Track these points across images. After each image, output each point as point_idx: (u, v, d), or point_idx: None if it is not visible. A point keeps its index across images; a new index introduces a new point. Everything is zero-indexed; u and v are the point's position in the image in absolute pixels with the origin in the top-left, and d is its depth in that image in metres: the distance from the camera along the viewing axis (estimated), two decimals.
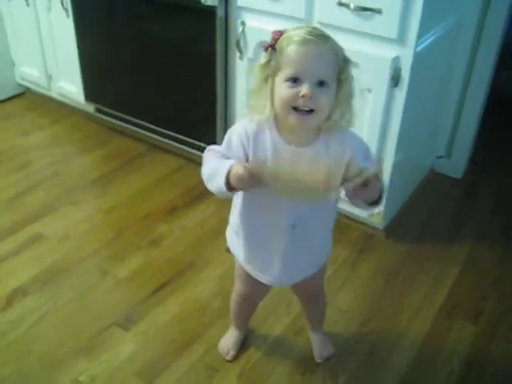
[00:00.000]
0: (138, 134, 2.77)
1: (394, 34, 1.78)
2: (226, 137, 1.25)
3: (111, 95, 2.74)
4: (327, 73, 1.11)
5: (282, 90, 1.12)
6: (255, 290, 1.55)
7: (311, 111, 1.12)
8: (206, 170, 1.23)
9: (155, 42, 2.40)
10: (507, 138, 2.93)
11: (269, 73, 1.15)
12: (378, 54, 1.83)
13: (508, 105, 3.03)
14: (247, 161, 1.21)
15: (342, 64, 1.14)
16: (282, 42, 1.12)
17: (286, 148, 1.20)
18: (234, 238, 1.43)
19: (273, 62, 1.14)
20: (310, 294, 1.60)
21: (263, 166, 1.19)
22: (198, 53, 2.28)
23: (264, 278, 1.42)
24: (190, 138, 2.50)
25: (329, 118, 1.17)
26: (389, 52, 1.82)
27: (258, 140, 1.20)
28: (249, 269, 1.44)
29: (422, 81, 1.97)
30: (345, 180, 1.22)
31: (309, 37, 1.09)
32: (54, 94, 3.03)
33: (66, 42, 2.72)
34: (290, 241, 1.32)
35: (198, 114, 2.43)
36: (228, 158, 1.21)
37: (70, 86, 2.88)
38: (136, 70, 2.55)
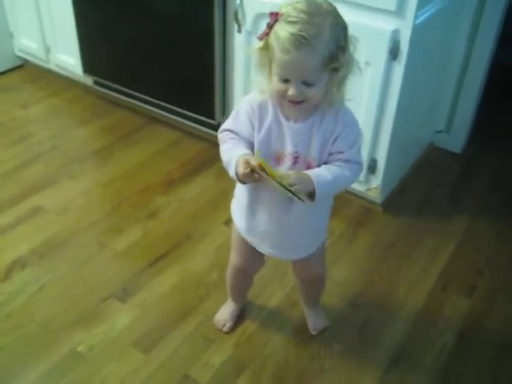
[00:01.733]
0: (137, 106, 2.76)
1: (392, 6, 1.77)
2: (233, 112, 1.32)
3: (109, 67, 2.73)
4: (310, 75, 1.15)
5: (274, 82, 1.18)
6: (250, 262, 1.57)
7: (302, 101, 1.18)
8: (222, 157, 1.30)
9: (153, 13, 2.38)
10: (508, 113, 2.91)
11: (266, 58, 1.19)
12: (376, 27, 1.82)
13: (509, 79, 3.01)
14: (254, 132, 1.28)
15: (334, 54, 1.14)
16: (271, 37, 1.14)
17: (285, 124, 1.26)
18: (237, 208, 1.46)
19: (268, 51, 1.17)
20: (308, 274, 1.61)
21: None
22: (196, 25, 2.26)
23: (262, 249, 1.46)
24: (188, 110, 2.49)
25: (324, 97, 1.21)
26: (387, 25, 1.80)
27: (262, 114, 1.27)
28: (248, 239, 1.47)
29: (422, 54, 1.96)
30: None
31: (290, 47, 1.10)
32: (52, 66, 3.02)
33: (63, 14, 2.70)
34: (287, 220, 1.35)
35: (197, 87, 2.42)
36: (239, 135, 1.29)
37: (68, 58, 2.87)
38: (134, 42, 2.53)
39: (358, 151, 1.30)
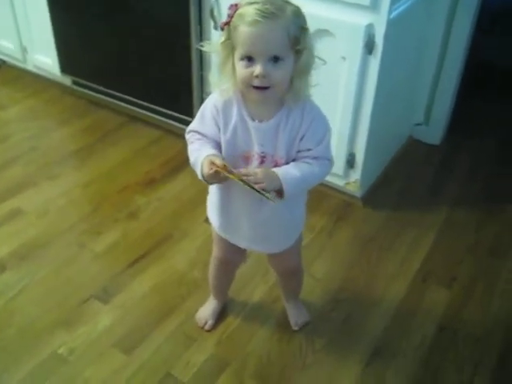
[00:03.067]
0: (116, 105, 2.75)
1: (366, 1, 1.77)
2: (199, 113, 1.31)
3: (87, 67, 2.71)
4: (279, 48, 1.13)
5: (239, 69, 1.16)
6: (231, 255, 1.57)
7: (268, 87, 1.16)
8: (190, 158, 1.30)
9: (130, 11, 2.36)
10: (486, 104, 2.93)
11: (229, 50, 1.17)
12: (351, 22, 1.82)
13: (487, 70, 3.03)
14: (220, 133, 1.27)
15: (297, 35, 1.14)
16: (235, 21, 1.13)
17: (250, 123, 1.24)
18: (211, 206, 1.46)
19: (230, 40, 1.16)
20: (285, 267, 1.62)
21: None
22: (173, 22, 2.25)
23: (239, 243, 1.46)
24: (167, 109, 2.49)
25: (289, 88, 1.20)
26: (362, 19, 1.81)
27: (226, 115, 1.25)
28: (223, 235, 1.47)
29: (397, 48, 1.97)
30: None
31: (257, 18, 1.09)
32: (29, 66, 2.99)
33: (39, 14, 2.67)
34: (259, 215, 1.35)
35: (175, 85, 2.41)
36: (205, 136, 1.28)
37: (45, 58, 2.84)
38: (111, 41, 2.51)
39: (327, 147, 1.29)
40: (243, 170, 1.21)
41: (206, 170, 1.20)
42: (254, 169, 1.24)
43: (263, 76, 1.13)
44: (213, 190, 1.41)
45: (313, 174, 1.27)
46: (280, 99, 1.22)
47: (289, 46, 1.13)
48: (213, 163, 1.19)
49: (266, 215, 1.35)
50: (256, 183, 1.18)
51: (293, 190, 1.24)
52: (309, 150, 1.26)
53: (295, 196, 1.31)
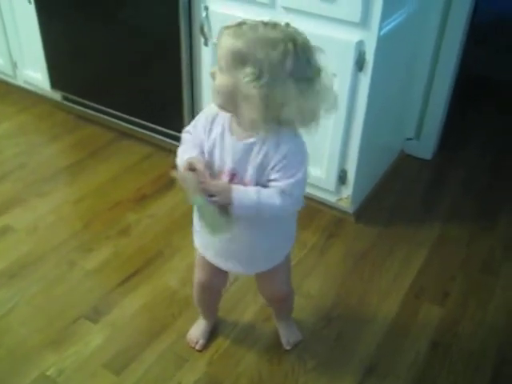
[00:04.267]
0: (106, 121, 2.73)
1: (357, 18, 1.77)
2: (196, 118, 1.35)
3: (77, 83, 2.70)
4: (224, 58, 1.14)
5: None
6: (214, 277, 1.55)
7: None
8: (178, 157, 1.31)
9: (120, 27, 2.36)
10: (477, 119, 2.95)
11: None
12: (341, 38, 1.82)
13: (480, 83, 3.04)
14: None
15: (262, 67, 1.11)
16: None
17: (229, 138, 1.26)
18: (194, 224, 1.45)
19: None
20: (273, 292, 1.59)
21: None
22: (163, 39, 2.24)
23: (219, 263, 1.44)
24: (157, 124, 2.48)
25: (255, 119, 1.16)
26: (352, 36, 1.81)
27: (212, 125, 1.29)
28: (206, 255, 1.46)
29: (388, 64, 1.97)
30: None
31: (222, 30, 1.16)
32: (19, 82, 2.97)
33: (29, 29, 2.66)
34: (237, 230, 1.31)
35: (165, 101, 2.41)
36: (194, 140, 1.31)
37: (35, 73, 2.83)
38: (101, 57, 2.51)
39: (298, 184, 1.22)
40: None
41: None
42: (215, 181, 1.25)
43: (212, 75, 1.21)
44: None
45: (270, 205, 1.22)
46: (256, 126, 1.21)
47: (232, 66, 1.15)
48: (190, 164, 1.21)
49: (238, 234, 1.33)
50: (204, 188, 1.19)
51: (242, 211, 1.22)
52: (277, 180, 1.22)
53: (248, 219, 1.28)
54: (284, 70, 1.11)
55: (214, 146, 1.27)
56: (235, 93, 1.15)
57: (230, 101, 1.17)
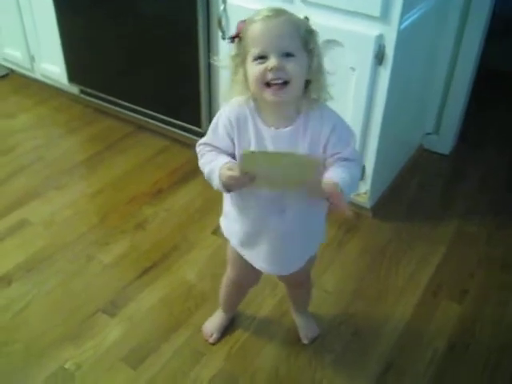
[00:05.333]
0: (124, 114, 2.74)
1: (377, 12, 1.75)
2: (210, 127, 1.28)
3: (95, 76, 2.70)
4: (291, 44, 1.12)
5: (252, 69, 1.14)
6: (246, 276, 1.54)
7: (284, 84, 1.13)
8: (203, 170, 1.27)
9: (138, 21, 2.36)
10: (497, 113, 2.91)
11: (239, 60, 1.17)
12: (361, 32, 1.80)
13: (499, 78, 3.00)
14: (234, 147, 1.24)
15: (306, 35, 1.14)
16: (245, 28, 1.14)
17: (266, 131, 1.21)
18: (228, 225, 1.42)
19: (241, 50, 1.16)
20: (295, 280, 1.58)
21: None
22: (181, 32, 2.23)
23: (257, 264, 1.42)
24: (174, 118, 2.48)
25: (304, 93, 1.18)
26: (372, 30, 1.79)
27: (240, 126, 1.22)
28: (243, 254, 1.43)
29: (408, 58, 1.94)
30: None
31: (267, 13, 1.12)
32: (37, 75, 2.99)
33: (46, 22, 2.67)
34: (281, 226, 1.30)
35: (182, 95, 2.40)
36: (218, 148, 1.25)
37: (53, 67, 2.84)
38: (119, 51, 2.51)
39: (355, 149, 1.25)
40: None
41: (229, 173, 1.17)
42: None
43: (277, 68, 1.11)
44: (228, 208, 1.38)
45: (352, 175, 1.20)
46: (296, 106, 1.20)
47: (300, 45, 1.13)
48: (233, 167, 1.16)
49: (288, 225, 1.30)
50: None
51: (348, 193, 1.19)
52: (337, 153, 1.21)
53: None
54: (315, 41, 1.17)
55: (249, 144, 1.22)
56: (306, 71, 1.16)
57: (298, 84, 1.16)
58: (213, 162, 1.24)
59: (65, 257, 2.00)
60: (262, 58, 1.12)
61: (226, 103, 1.26)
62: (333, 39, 1.80)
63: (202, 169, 1.28)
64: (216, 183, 1.22)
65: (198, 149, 1.30)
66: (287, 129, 1.20)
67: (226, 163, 1.20)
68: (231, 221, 1.39)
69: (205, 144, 1.28)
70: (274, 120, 1.20)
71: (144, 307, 1.81)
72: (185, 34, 2.21)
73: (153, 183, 2.37)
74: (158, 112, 2.53)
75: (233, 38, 1.17)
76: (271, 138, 1.21)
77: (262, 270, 1.44)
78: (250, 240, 1.38)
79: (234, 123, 1.22)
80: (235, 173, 1.15)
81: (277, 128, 1.20)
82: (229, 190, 1.23)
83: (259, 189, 1.22)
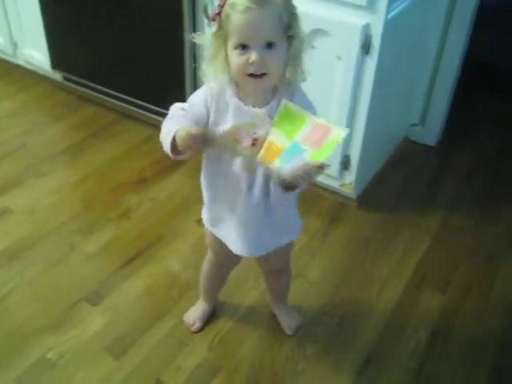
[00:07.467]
0: (108, 102, 2.70)
1: (363, 1, 1.74)
2: (192, 95, 1.29)
3: (79, 63, 2.66)
4: (273, 34, 1.12)
5: (234, 58, 1.15)
6: (226, 256, 1.52)
7: (265, 74, 1.15)
8: (162, 128, 1.27)
9: (122, 7, 2.32)
10: (482, 106, 2.91)
11: (220, 41, 1.16)
12: (347, 22, 1.79)
13: (485, 69, 3.00)
14: (208, 118, 1.25)
15: (288, 21, 1.14)
16: (226, 10, 1.13)
17: (244, 109, 1.23)
18: (204, 208, 1.43)
19: (222, 30, 1.15)
20: (273, 267, 1.58)
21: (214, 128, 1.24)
22: (166, 19, 2.21)
23: (230, 245, 1.42)
24: (159, 106, 2.44)
25: (283, 76, 1.20)
26: (359, 19, 1.78)
27: (219, 102, 1.24)
28: (215, 232, 1.45)
29: (394, 48, 1.94)
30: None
31: (249, 4, 1.09)
32: (20, 61, 2.93)
33: (29, 8, 2.62)
34: (248, 202, 1.31)
35: (168, 83, 2.37)
36: (191, 114, 1.25)
37: (36, 53, 2.79)
38: (102, 37, 2.47)
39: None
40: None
41: (183, 132, 1.15)
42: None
43: (259, 62, 1.12)
44: (202, 185, 1.39)
45: None
46: (274, 87, 1.22)
47: (281, 32, 1.14)
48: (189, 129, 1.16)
49: (256, 202, 1.30)
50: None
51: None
52: None
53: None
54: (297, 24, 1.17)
55: (226, 119, 1.23)
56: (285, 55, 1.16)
57: (278, 74, 1.17)
58: (176, 124, 1.22)
59: (47, 245, 1.98)
60: (243, 47, 1.12)
61: (207, 82, 1.26)
62: (320, 28, 1.79)
63: (162, 126, 1.27)
64: (167, 144, 1.22)
65: (171, 110, 1.31)
66: (262, 109, 1.22)
67: (184, 127, 1.19)
68: (205, 203, 1.41)
69: (179, 108, 1.29)
70: (252, 100, 1.22)
71: (127, 297, 1.80)
72: (170, 21, 2.19)
73: (138, 171, 2.34)
74: (143, 100, 2.50)
75: (214, 18, 1.16)
76: (250, 114, 1.22)
77: (234, 251, 1.43)
78: (219, 217, 1.39)
79: (215, 96, 1.23)
80: (198, 131, 1.16)
81: (253, 107, 1.23)
82: (177, 153, 1.22)
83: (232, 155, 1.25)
